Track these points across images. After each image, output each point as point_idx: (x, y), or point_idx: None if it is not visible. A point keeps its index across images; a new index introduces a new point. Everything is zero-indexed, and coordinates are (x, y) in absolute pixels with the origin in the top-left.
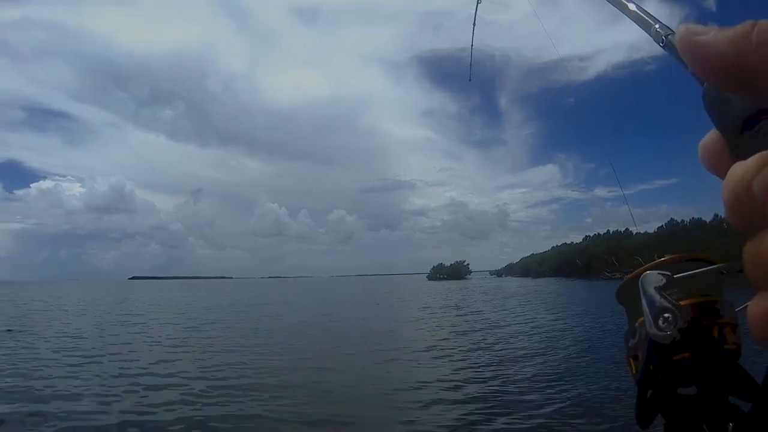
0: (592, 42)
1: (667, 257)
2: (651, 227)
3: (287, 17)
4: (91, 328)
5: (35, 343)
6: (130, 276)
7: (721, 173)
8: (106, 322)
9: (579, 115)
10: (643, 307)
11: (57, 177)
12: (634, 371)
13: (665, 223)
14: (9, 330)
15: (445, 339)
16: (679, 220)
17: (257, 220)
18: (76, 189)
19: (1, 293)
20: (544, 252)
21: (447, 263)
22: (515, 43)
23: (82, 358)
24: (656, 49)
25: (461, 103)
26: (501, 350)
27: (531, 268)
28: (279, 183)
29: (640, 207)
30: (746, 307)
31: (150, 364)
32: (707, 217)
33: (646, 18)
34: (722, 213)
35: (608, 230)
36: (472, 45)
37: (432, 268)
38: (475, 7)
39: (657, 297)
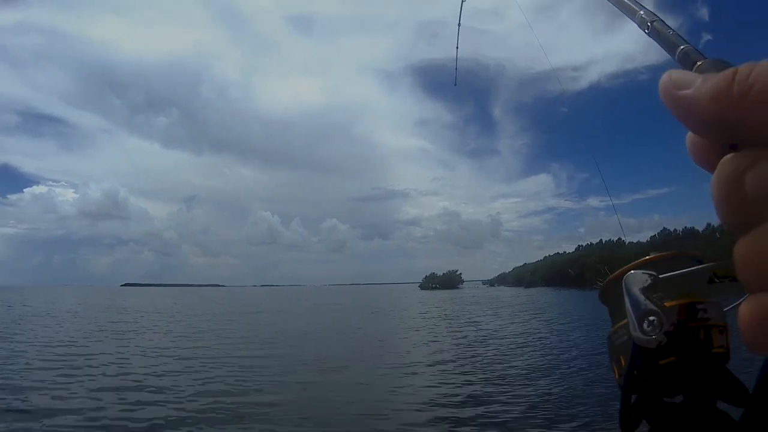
0: (587, 51)
1: (652, 255)
2: (644, 237)
3: (283, 26)
4: (82, 333)
5: (23, 348)
6: (123, 283)
7: (710, 167)
8: (96, 329)
9: (572, 125)
10: (627, 309)
11: (50, 182)
12: (617, 375)
13: (658, 233)
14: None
15: (438, 350)
16: (671, 230)
17: (250, 228)
18: (70, 195)
19: None
20: (536, 262)
21: (440, 272)
22: (509, 53)
23: (69, 365)
24: (650, 59)
25: (455, 112)
26: (495, 361)
27: (523, 277)
28: (273, 191)
29: (632, 216)
30: (735, 307)
31: (140, 373)
32: (700, 227)
33: (631, 4)
34: (715, 222)
35: (601, 240)
36: (457, 47)
37: (424, 278)
38: (459, 7)
39: (642, 298)
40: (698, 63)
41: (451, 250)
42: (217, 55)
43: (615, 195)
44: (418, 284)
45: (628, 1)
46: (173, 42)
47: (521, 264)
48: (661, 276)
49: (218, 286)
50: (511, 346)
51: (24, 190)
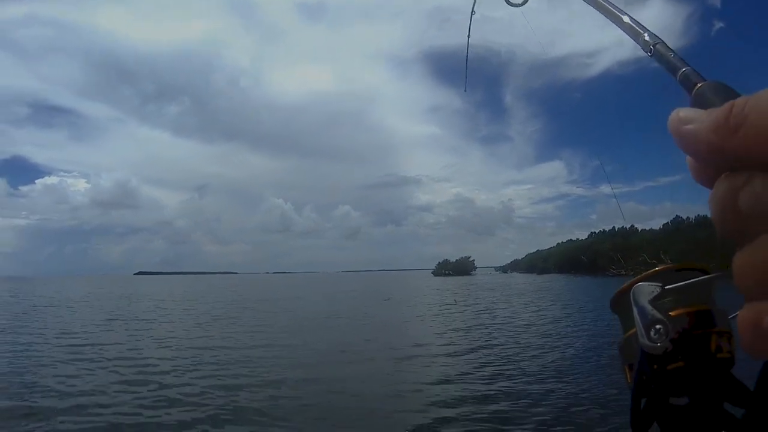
0: (600, 37)
1: (659, 267)
2: (656, 224)
3: (293, 13)
4: (94, 322)
5: (33, 339)
6: (136, 271)
7: (709, 184)
8: (110, 318)
9: (585, 112)
10: (635, 318)
11: (62, 173)
12: (629, 380)
13: (670, 220)
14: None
15: (457, 336)
16: (684, 217)
17: (263, 216)
18: (82, 185)
19: (7, 288)
20: (549, 248)
21: (452, 259)
22: (520, 39)
23: (82, 354)
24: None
25: (466, 99)
26: (511, 349)
27: (536, 264)
28: (284, 178)
29: (645, 204)
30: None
31: (153, 362)
32: None
33: (635, 27)
34: None
35: (614, 227)
36: (467, 57)
37: (437, 264)
38: (469, 20)
39: (648, 308)
40: (698, 85)
41: (464, 236)
42: (228, 44)
43: (627, 182)
44: (431, 270)
45: (633, 24)
46: (183, 31)
47: (534, 250)
48: (666, 287)
49: (232, 273)
50: (533, 337)
51: (36, 181)
